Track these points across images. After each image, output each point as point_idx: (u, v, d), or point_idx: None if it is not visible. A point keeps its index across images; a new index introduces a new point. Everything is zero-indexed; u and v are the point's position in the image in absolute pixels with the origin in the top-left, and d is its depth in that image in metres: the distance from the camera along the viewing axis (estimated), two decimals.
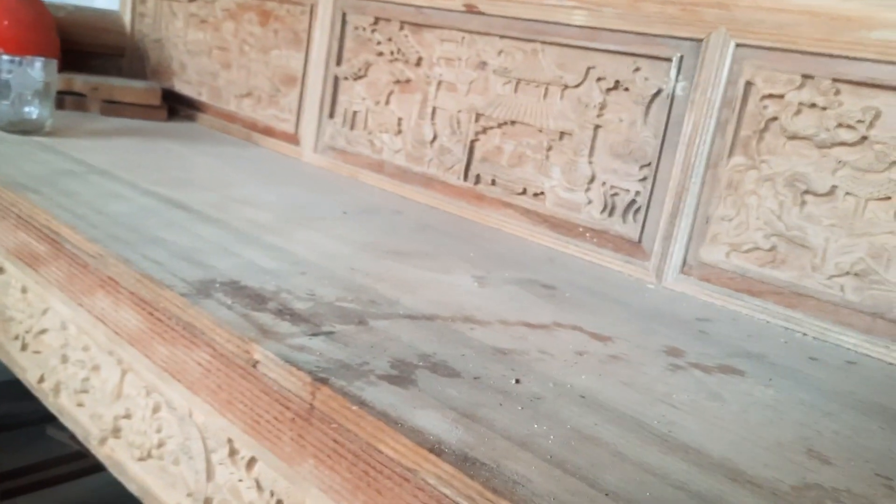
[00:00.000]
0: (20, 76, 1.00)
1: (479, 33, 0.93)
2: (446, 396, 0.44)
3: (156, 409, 0.58)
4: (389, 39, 1.03)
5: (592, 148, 0.84)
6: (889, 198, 0.65)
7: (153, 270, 0.57)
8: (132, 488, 0.60)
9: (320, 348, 0.48)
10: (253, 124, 1.27)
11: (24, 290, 0.73)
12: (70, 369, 0.68)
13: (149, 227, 0.69)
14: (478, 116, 0.94)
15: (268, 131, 1.24)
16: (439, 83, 0.98)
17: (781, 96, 0.70)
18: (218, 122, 1.33)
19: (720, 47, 0.72)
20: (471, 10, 0.93)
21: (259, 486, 0.48)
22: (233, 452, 0.50)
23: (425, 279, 0.69)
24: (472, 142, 0.96)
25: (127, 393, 0.61)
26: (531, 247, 0.88)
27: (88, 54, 1.46)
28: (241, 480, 0.50)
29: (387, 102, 1.05)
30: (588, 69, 0.83)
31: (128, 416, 0.61)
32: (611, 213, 0.83)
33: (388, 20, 1.03)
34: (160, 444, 0.57)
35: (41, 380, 0.72)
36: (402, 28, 1.02)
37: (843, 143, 0.67)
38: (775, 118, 0.70)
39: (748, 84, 0.71)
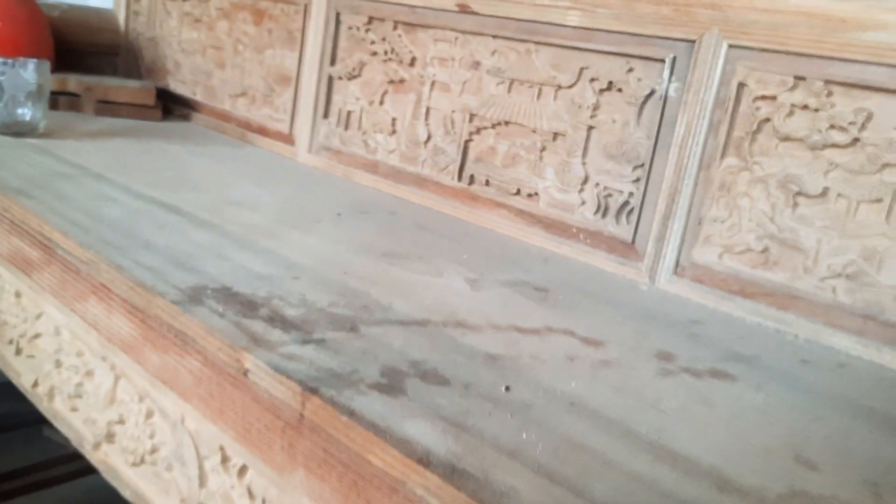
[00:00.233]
0: (13, 78, 1.00)
1: (472, 33, 0.93)
2: (436, 405, 0.45)
3: (149, 415, 0.58)
4: (383, 39, 1.03)
5: (586, 149, 0.83)
6: (881, 200, 0.65)
7: (145, 277, 0.57)
8: (126, 494, 0.60)
9: (311, 356, 0.48)
10: (247, 124, 1.26)
11: (17, 295, 0.73)
12: (64, 374, 0.68)
13: (141, 232, 0.69)
14: (472, 117, 0.94)
15: (262, 131, 1.24)
16: (433, 83, 0.98)
17: (774, 97, 0.69)
18: (213, 121, 1.33)
19: (713, 48, 0.72)
20: (464, 9, 0.93)
21: (251, 494, 0.48)
22: (225, 460, 0.50)
23: (418, 282, 0.69)
24: (466, 142, 0.95)
25: (120, 398, 0.61)
26: (525, 247, 0.88)
27: (83, 53, 1.46)
28: (233, 488, 0.50)
29: (381, 102, 1.05)
30: (581, 70, 0.83)
31: (121, 422, 0.61)
32: (604, 214, 0.83)
33: (381, 20, 1.03)
34: (153, 450, 0.57)
35: (35, 384, 0.72)
36: (395, 28, 1.02)
37: (835, 145, 0.67)
38: (768, 119, 0.70)
39: (741, 85, 0.71)
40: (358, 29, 1.06)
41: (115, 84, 1.29)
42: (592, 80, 0.82)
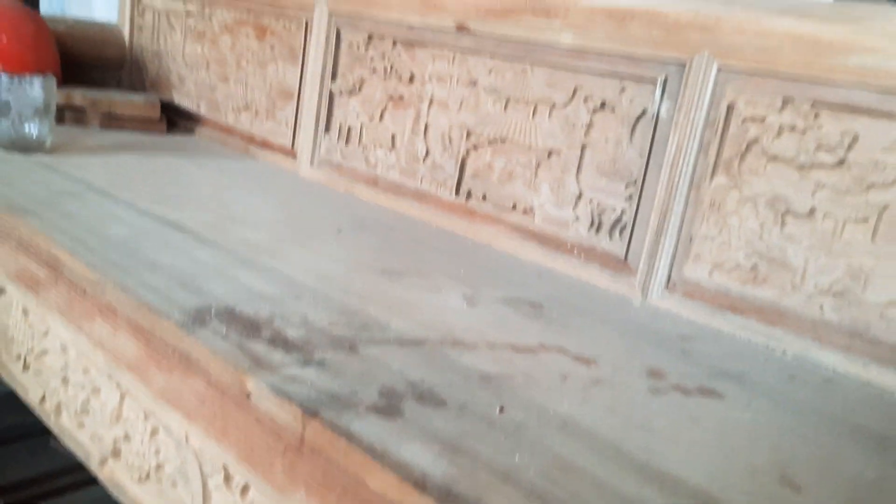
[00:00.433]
0: (19, 95, 1.02)
1: (470, 52, 0.95)
2: (432, 427, 0.46)
3: (154, 433, 0.60)
4: (383, 56, 1.05)
5: (580, 166, 0.85)
6: (866, 220, 0.66)
7: (150, 298, 0.59)
8: None
9: (311, 378, 0.50)
10: (251, 137, 1.28)
11: (25, 312, 0.75)
12: (71, 391, 0.70)
13: (146, 251, 0.70)
14: (469, 133, 0.96)
15: (265, 144, 1.26)
16: (431, 100, 1.00)
17: (762, 119, 0.71)
18: (216, 134, 1.35)
19: (703, 70, 0.74)
20: (462, 29, 0.95)
21: None
22: (228, 478, 0.52)
23: (416, 299, 0.70)
24: (464, 158, 0.97)
25: (126, 416, 0.63)
26: (521, 262, 0.90)
27: (89, 67, 1.48)
28: None
29: (381, 118, 1.07)
30: (575, 89, 0.85)
31: (127, 439, 0.63)
32: (598, 230, 0.84)
33: (381, 37, 1.05)
34: (158, 467, 0.59)
35: (43, 400, 0.74)
36: (395, 45, 1.03)
37: (822, 166, 0.68)
38: (756, 140, 0.72)
39: (730, 106, 0.73)
40: (358, 46, 1.08)
41: (119, 98, 1.31)
42: (586, 99, 0.84)
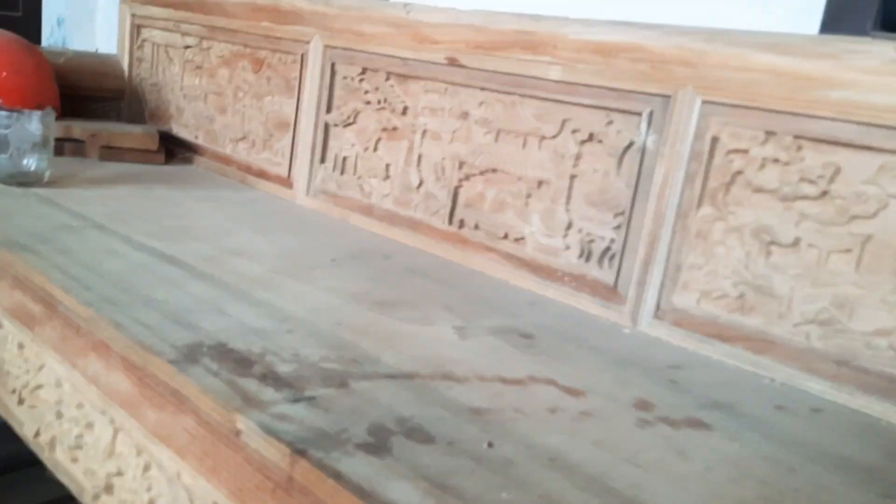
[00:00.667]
0: (18, 130, 1.04)
1: (461, 85, 0.96)
2: (420, 465, 0.47)
3: (146, 469, 0.60)
4: (377, 89, 1.07)
5: (569, 196, 0.86)
6: (850, 250, 0.67)
7: (143, 335, 0.60)
8: None
9: (301, 416, 0.51)
10: (248, 167, 1.30)
11: (20, 346, 0.76)
12: (65, 425, 0.70)
13: (141, 287, 0.71)
14: (461, 164, 0.98)
15: (262, 174, 1.27)
16: (424, 131, 1.02)
17: (746, 151, 0.72)
18: (214, 164, 1.36)
19: (687, 103, 0.76)
20: (453, 63, 0.96)
21: None
22: None
23: (408, 332, 0.71)
24: (456, 188, 0.99)
25: (119, 451, 0.64)
26: (513, 290, 0.91)
27: (89, 98, 1.50)
28: None
29: (375, 149, 1.08)
30: (564, 121, 0.86)
31: (120, 474, 0.63)
32: (587, 259, 0.85)
33: (375, 70, 1.07)
34: (150, 503, 0.59)
35: (37, 434, 0.74)
36: (388, 78, 1.05)
37: (805, 197, 0.70)
38: (741, 172, 0.73)
39: (714, 139, 0.74)
40: (352, 79, 1.10)
41: (118, 130, 1.33)
42: (574, 131, 0.85)
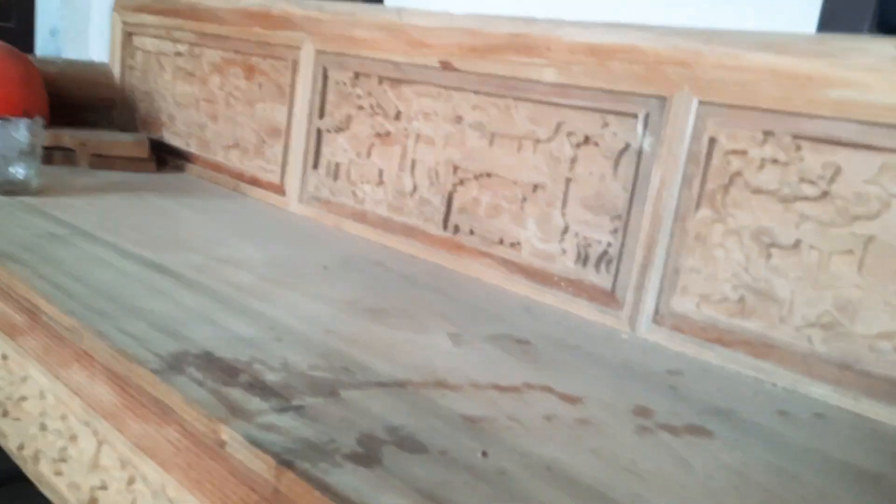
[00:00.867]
0: (5, 138, 1.02)
1: (454, 89, 0.95)
2: (411, 476, 0.45)
3: (130, 482, 0.58)
4: (369, 94, 1.06)
5: (565, 200, 0.85)
6: (852, 252, 0.66)
7: (127, 344, 0.58)
8: None
9: (288, 426, 0.49)
10: (240, 174, 1.28)
11: (4, 357, 0.74)
12: (49, 438, 0.69)
13: (127, 296, 0.70)
14: (455, 169, 0.96)
15: (255, 182, 1.26)
16: (418, 136, 1.00)
17: (745, 152, 0.71)
18: (206, 172, 1.35)
19: (684, 104, 0.74)
20: (446, 66, 0.95)
21: None
22: None
23: (400, 339, 0.70)
24: (451, 193, 0.97)
25: (103, 464, 0.62)
26: (509, 296, 0.89)
27: (80, 107, 1.48)
28: None
29: (368, 154, 1.07)
30: (559, 124, 0.85)
31: (104, 488, 0.61)
32: (584, 264, 0.84)
33: (367, 75, 1.06)
34: None
35: (21, 447, 0.72)
36: (381, 83, 1.04)
37: (805, 198, 0.68)
38: (739, 173, 0.72)
39: (712, 140, 0.73)
40: (345, 84, 1.09)
41: (108, 138, 1.32)
42: (569, 134, 0.84)
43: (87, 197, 1.10)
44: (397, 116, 1.03)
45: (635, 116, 0.78)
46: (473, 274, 0.94)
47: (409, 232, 1.02)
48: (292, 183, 1.18)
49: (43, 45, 2.36)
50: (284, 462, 0.44)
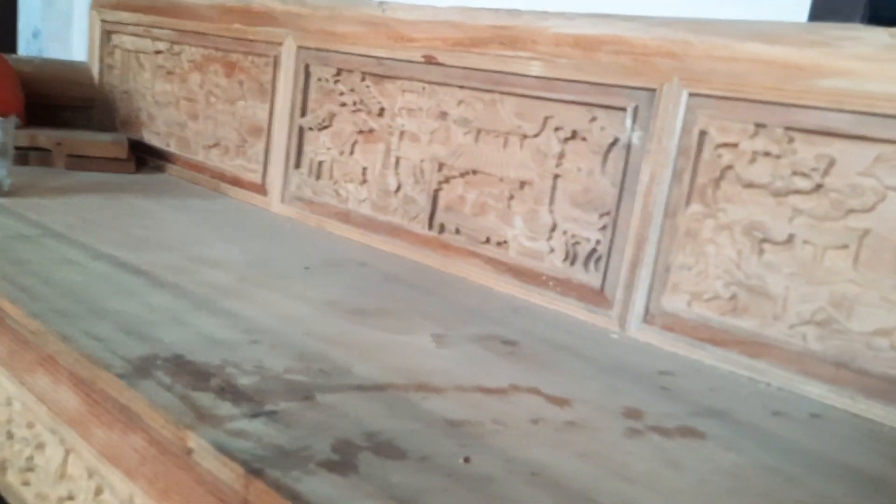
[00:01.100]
0: None
1: (439, 84, 0.93)
2: (388, 484, 0.43)
3: (98, 492, 0.56)
4: (352, 90, 1.03)
5: (553, 197, 0.83)
6: (847, 246, 0.64)
7: (93, 348, 0.56)
8: None
9: (259, 432, 0.46)
10: (221, 174, 1.26)
11: None
12: (16, 446, 0.66)
13: (96, 297, 0.67)
14: (440, 166, 0.94)
15: (236, 182, 1.23)
16: (402, 133, 0.98)
17: (735, 145, 0.69)
18: (187, 172, 1.32)
19: (673, 97, 0.72)
20: (430, 61, 0.93)
21: None
22: None
23: (382, 341, 0.67)
24: (436, 191, 0.95)
25: (70, 474, 0.59)
26: (496, 296, 0.87)
27: (58, 107, 1.45)
28: None
29: (351, 152, 1.05)
30: (546, 119, 0.83)
31: (71, 498, 0.58)
32: (573, 262, 0.82)
33: (350, 71, 1.03)
34: None
35: None
36: (364, 79, 1.01)
37: (798, 191, 0.66)
38: (731, 167, 0.70)
39: (702, 133, 0.71)
40: (327, 80, 1.06)
41: (85, 138, 1.29)
42: (557, 129, 0.82)
43: (62, 197, 1.07)
44: (381, 113, 1.00)
45: (624, 110, 0.76)
46: (460, 274, 0.92)
47: (393, 231, 0.99)
48: (274, 182, 1.15)
49: (25, 47, 2.32)
50: (254, 470, 0.42)
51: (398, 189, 0.99)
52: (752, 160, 0.68)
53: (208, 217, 1.08)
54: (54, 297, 0.66)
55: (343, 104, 1.05)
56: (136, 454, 0.50)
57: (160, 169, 1.36)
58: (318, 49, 1.07)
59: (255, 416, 0.49)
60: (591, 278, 0.80)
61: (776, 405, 0.64)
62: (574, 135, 0.81)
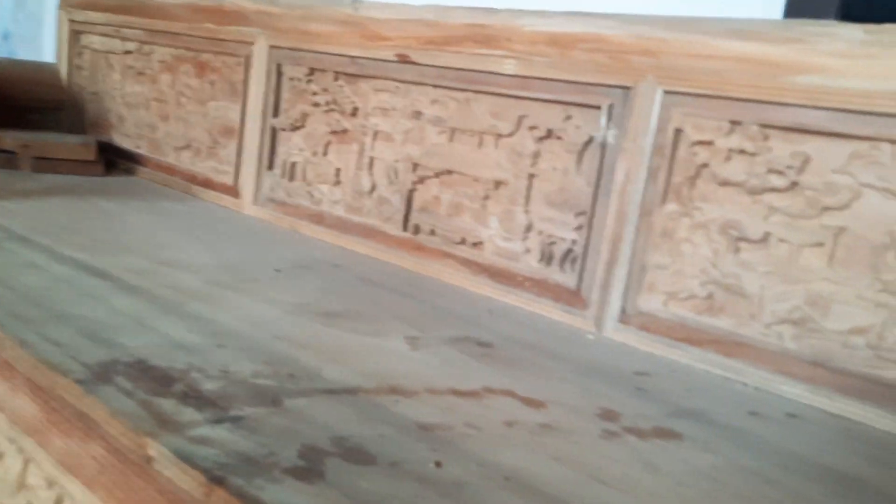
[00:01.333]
0: None
1: (412, 83, 0.91)
2: (356, 490, 0.41)
3: (58, 503, 0.54)
4: (325, 90, 1.01)
5: (528, 197, 0.82)
6: (822, 244, 0.63)
7: (51, 353, 0.53)
8: None
9: (223, 439, 0.45)
10: (192, 177, 1.23)
11: None
12: None
13: (57, 302, 0.65)
14: (415, 166, 0.92)
15: (207, 184, 1.20)
16: (376, 133, 0.96)
17: (711, 143, 0.69)
18: (157, 175, 1.29)
19: (648, 95, 0.72)
20: (404, 60, 0.91)
21: None
22: None
23: (354, 344, 0.66)
24: (410, 192, 0.93)
25: (29, 483, 0.57)
26: (471, 298, 0.85)
27: (26, 109, 1.42)
28: None
29: (324, 153, 1.03)
30: (520, 118, 0.82)
31: None
32: (548, 263, 0.81)
33: (323, 71, 1.01)
34: None
35: None
36: (337, 79, 1.00)
37: (774, 189, 0.66)
38: (706, 165, 0.69)
39: (678, 131, 0.70)
40: (299, 80, 1.05)
41: (52, 140, 1.26)
42: (531, 128, 0.81)
43: (26, 200, 1.04)
44: (354, 113, 0.99)
45: (599, 108, 0.75)
46: (434, 275, 0.91)
47: (367, 233, 0.98)
48: (246, 184, 1.13)
49: None
50: (215, 478, 0.40)
51: (372, 190, 0.98)
52: (728, 158, 0.68)
53: (178, 220, 1.06)
54: (14, 301, 0.63)
55: (316, 104, 1.03)
56: (96, 463, 0.48)
57: (130, 171, 1.34)
58: (290, 48, 1.05)
59: (219, 422, 0.47)
60: (567, 279, 0.79)
61: (753, 405, 0.63)
62: (549, 134, 0.80)
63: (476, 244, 0.87)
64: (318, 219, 1.04)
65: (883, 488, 0.51)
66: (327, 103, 1.01)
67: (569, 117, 0.78)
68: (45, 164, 1.23)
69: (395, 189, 0.95)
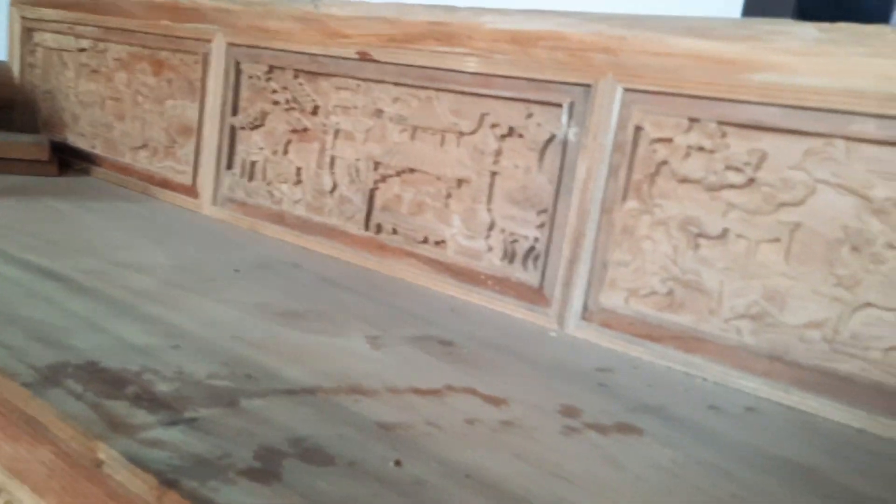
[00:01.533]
0: None
1: (374, 81, 0.91)
2: (314, 491, 0.40)
3: None
4: (285, 88, 1.00)
5: (490, 195, 0.82)
6: (779, 240, 0.64)
7: None
8: None
9: (177, 441, 0.44)
10: (150, 177, 1.21)
11: None
12: None
13: (7, 304, 0.63)
14: (376, 165, 0.92)
15: (165, 184, 1.18)
16: (336, 132, 0.95)
17: (670, 140, 0.69)
18: (113, 175, 1.26)
19: (608, 92, 0.72)
20: (364, 57, 0.91)
21: None
22: None
23: (314, 344, 0.65)
24: (372, 190, 0.93)
25: None
26: (434, 297, 0.85)
27: None
28: None
29: (285, 152, 1.02)
30: (482, 116, 0.81)
31: None
32: (511, 261, 0.80)
33: (282, 69, 1.00)
34: None
35: None
36: (297, 76, 0.99)
37: (731, 186, 0.66)
38: (665, 162, 0.70)
39: (637, 128, 0.71)
40: (259, 78, 1.03)
41: (4, 140, 1.22)
42: (493, 125, 0.80)
43: None
44: (314, 111, 0.97)
45: (560, 106, 0.75)
46: (397, 274, 0.90)
47: (328, 232, 0.97)
48: (205, 184, 1.11)
49: None
50: (168, 481, 0.39)
51: (333, 189, 0.97)
52: (687, 155, 0.68)
53: (134, 220, 1.03)
54: None
55: (276, 102, 1.01)
56: (45, 468, 0.46)
57: (85, 172, 1.30)
58: (248, 46, 1.03)
59: (172, 424, 0.46)
60: (530, 276, 0.79)
61: (712, 400, 0.64)
62: (511, 132, 0.80)
63: (438, 243, 0.87)
64: (279, 219, 1.02)
65: (837, 478, 0.52)
66: (287, 101, 1.00)
67: (530, 115, 0.78)
68: None
69: (357, 188, 0.94)
